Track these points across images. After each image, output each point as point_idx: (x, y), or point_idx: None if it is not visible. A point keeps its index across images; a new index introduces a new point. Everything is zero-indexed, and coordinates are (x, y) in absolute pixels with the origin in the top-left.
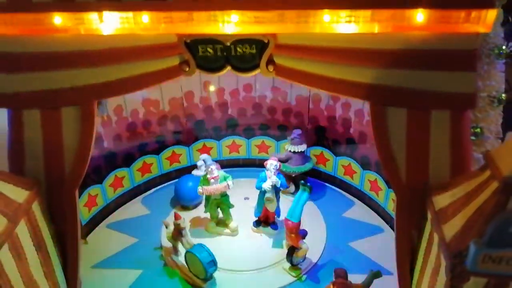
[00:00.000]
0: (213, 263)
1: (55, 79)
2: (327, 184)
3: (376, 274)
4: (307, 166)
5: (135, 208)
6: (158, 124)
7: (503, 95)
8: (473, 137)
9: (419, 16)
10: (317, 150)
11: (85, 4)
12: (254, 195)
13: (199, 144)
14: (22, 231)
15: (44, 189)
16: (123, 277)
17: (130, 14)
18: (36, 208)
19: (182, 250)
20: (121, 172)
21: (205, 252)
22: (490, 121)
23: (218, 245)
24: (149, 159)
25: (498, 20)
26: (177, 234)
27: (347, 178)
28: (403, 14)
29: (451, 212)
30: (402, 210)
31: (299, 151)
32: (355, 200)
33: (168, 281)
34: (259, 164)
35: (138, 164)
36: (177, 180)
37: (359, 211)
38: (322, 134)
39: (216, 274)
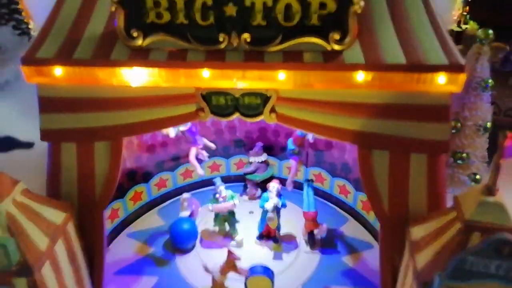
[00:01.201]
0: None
1: (91, 119)
2: (324, 201)
3: None
4: (269, 173)
5: (152, 219)
6: (173, 145)
7: (489, 123)
8: (459, 161)
9: (399, 77)
10: (315, 171)
11: (119, 62)
12: (258, 209)
13: (210, 162)
14: (60, 248)
15: (76, 210)
16: (142, 283)
17: (155, 70)
18: (70, 227)
19: None
20: (140, 187)
21: (265, 268)
22: (475, 147)
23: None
24: (165, 175)
25: (486, 56)
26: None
27: (342, 197)
28: (386, 75)
29: (424, 244)
30: (385, 236)
31: (262, 160)
32: (349, 216)
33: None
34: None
35: (155, 180)
36: (170, 224)
37: (352, 227)
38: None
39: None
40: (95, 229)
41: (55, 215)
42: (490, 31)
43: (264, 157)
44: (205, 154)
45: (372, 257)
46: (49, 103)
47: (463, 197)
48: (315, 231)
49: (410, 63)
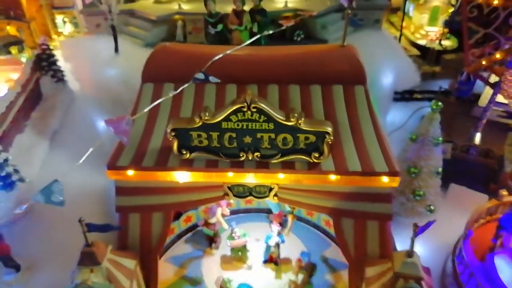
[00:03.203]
0: None
1: (150, 200)
2: (313, 229)
3: None
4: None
5: (182, 246)
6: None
7: (440, 169)
8: (418, 197)
9: (358, 178)
10: None
11: (173, 168)
12: (262, 236)
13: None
14: (134, 285)
15: (139, 257)
16: None
17: (197, 173)
18: (137, 269)
19: None
20: (173, 224)
21: None
22: (430, 187)
23: (240, 276)
24: (190, 213)
25: (437, 120)
26: None
27: (327, 228)
28: (349, 177)
29: (372, 280)
30: (351, 270)
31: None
32: (332, 243)
33: None
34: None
35: (183, 217)
36: None
37: (334, 251)
38: None
39: None
40: (152, 267)
41: (129, 263)
42: (440, 103)
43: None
44: (227, 211)
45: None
46: (123, 190)
47: (395, 255)
48: None
49: (364, 171)
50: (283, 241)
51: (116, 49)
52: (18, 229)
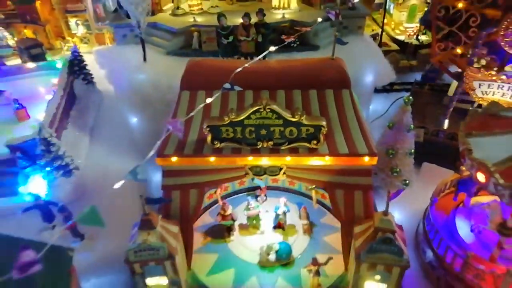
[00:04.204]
0: None
1: (189, 180)
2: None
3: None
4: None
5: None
6: None
7: (412, 150)
8: (395, 174)
9: (346, 159)
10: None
11: (207, 155)
12: (270, 209)
13: None
14: (178, 244)
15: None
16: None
17: (226, 158)
18: (179, 233)
19: None
20: None
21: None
22: (405, 164)
23: (254, 240)
24: (212, 191)
25: (409, 111)
26: None
27: (323, 199)
28: (339, 158)
29: (359, 235)
30: (343, 229)
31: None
32: (326, 211)
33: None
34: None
35: (207, 194)
36: None
37: (328, 217)
38: None
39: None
40: (189, 232)
41: (174, 228)
42: (411, 98)
43: None
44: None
45: (338, 235)
46: (168, 173)
47: (375, 215)
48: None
49: (350, 153)
50: (288, 210)
51: (145, 58)
52: (78, 207)
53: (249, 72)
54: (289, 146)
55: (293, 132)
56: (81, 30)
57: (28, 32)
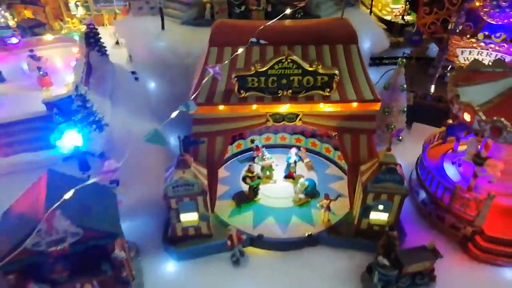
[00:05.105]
0: None
1: (215, 127)
2: (318, 157)
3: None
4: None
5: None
6: None
7: (405, 108)
8: (390, 129)
9: (354, 104)
10: (312, 140)
11: (235, 103)
12: (280, 164)
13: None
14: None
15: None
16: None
17: (251, 106)
18: (206, 174)
19: None
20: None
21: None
22: (399, 121)
23: (268, 187)
24: (241, 141)
25: (402, 72)
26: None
27: (327, 153)
28: (348, 104)
29: (365, 172)
30: (350, 171)
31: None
32: (330, 164)
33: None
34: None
35: (235, 143)
36: None
37: (332, 169)
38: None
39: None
40: (214, 174)
41: (203, 170)
42: (405, 60)
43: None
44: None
45: (342, 183)
46: (197, 121)
47: (380, 151)
48: None
49: (358, 99)
50: (299, 159)
51: (163, 27)
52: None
53: (269, 31)
54: (306, 94)
55: (310, 81)
56: (80, 11)
57: (28, 13)
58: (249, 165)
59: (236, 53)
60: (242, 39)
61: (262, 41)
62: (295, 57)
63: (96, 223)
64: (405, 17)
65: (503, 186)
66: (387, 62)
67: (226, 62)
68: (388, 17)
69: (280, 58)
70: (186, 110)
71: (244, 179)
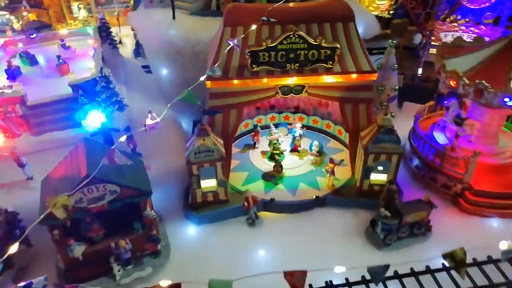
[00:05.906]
0: None
1: (229, 100)
2: (319, 133)
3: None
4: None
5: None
6: None
7: (397, 86)
8: (383, 107)
9: (354, 76)
10: (313, 117)
11: (247, 77)
12: (285, 141)
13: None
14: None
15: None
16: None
17: (261, 80)
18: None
19: None
20: None
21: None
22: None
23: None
24: (248, 121)
25: (393, 53)
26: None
27: (328, 129)
28: (348, 76)
29: (364, 136)
30: (351, 138)
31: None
32: (331, 138)
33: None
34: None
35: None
36: None
37: (333, 143)
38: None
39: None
40: (229, 145)
41: (219, 139)
42: (395, 41)
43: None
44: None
45: (343, 154)
46: (213, 95)
47: (378, 117)
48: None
49: (357, 70)
50: (304, 134)
51: (174, 17)
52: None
53: (276, 11)
54: (311, 67)
55: (314, 54)
56: (82, 14)
57: (32, 16)
58: (274, 144)
59: (250, 29)
60: (252, 19)
61: (272, 19)
62: (301, 32)
63: (131, 182)
64: (390, 12)
65: (485, 148)
66: (375, 52)
67: (242, 36)
68: (375, 13)
69: (288, 33)
70: (212, 74)
71: (272, 156)
